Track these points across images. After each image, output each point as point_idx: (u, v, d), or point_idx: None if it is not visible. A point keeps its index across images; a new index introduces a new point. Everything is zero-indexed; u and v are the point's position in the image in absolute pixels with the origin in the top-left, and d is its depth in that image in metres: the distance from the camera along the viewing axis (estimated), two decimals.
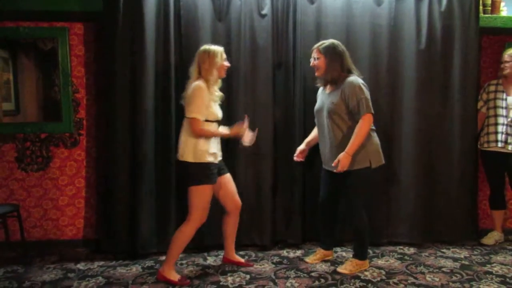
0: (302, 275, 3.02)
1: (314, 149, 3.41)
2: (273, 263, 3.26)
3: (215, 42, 3.46)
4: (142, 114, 3.34)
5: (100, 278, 2.99)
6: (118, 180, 3.38)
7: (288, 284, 2.88)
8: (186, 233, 2.90)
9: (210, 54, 2.88)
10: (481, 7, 3.70)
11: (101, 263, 3.29)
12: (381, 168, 3.09)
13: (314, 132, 3.34)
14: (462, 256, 3.43)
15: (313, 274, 3.04)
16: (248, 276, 3.00)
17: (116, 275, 3.05)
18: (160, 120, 3.41)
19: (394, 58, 3.61)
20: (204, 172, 2.85)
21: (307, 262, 3.26)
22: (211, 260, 3.34)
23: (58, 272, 3.10)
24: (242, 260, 3.25)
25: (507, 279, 2.96)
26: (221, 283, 2.88)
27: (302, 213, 3.63)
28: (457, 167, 3.68)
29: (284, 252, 3.49)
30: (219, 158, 3.02)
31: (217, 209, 3.32)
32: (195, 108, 2.81)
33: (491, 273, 3.08)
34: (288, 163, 3.59)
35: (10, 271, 3.13)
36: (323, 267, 3.17)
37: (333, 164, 2.96)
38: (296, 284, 2.87)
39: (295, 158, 3.33)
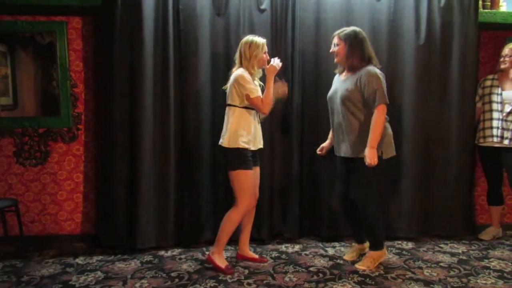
0: (300, 270, 3.03)
1: (312, 145, 3.42)
2: (271, 258, 3.26)
3: (214, 37, 3.47)
4: (140, 109, 3.33)
5: (99, 273, 2.99)
6: (117, 174, 3.38)
7: (286, 279, 2.88)
8: (233, 219, 2.95)
9: (251, 45, 2.95)
10: (480, 3, 3.70)
11: (100, 257, 3.29)
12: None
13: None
14: (460, 251, 3.44)
15: (311, 269, 3.05)
16: (246, 271, 3.00)
17: (115, 269, 3.05)
18: (158, 114, 3.40)
19: (393, 53, 3.61)
20: (239, 158, 2.91)
21: (346, 260, 3.20)
22: None
23: (57, 267, 3.10)
24: (256, 256, 3.23)
25: (505, 274, 2.97)
26: (219, 278, 2.88)
27: (299, 208, 3.64)
28: (455, 162, 3.69)
29: (282, 247, 3.50)
30: (260, 145, 3.06)
31: (217, 205, 3.33)
32: (251, 90, 2.87)
33: (488, 268, 3.09)
34: (285, 158, 3.60)
35: (8, 266, 3.12)
36: (321, 262, 3.17)
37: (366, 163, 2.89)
38: (295, 279, 2.87)
39: (318, 152, 3.33)
